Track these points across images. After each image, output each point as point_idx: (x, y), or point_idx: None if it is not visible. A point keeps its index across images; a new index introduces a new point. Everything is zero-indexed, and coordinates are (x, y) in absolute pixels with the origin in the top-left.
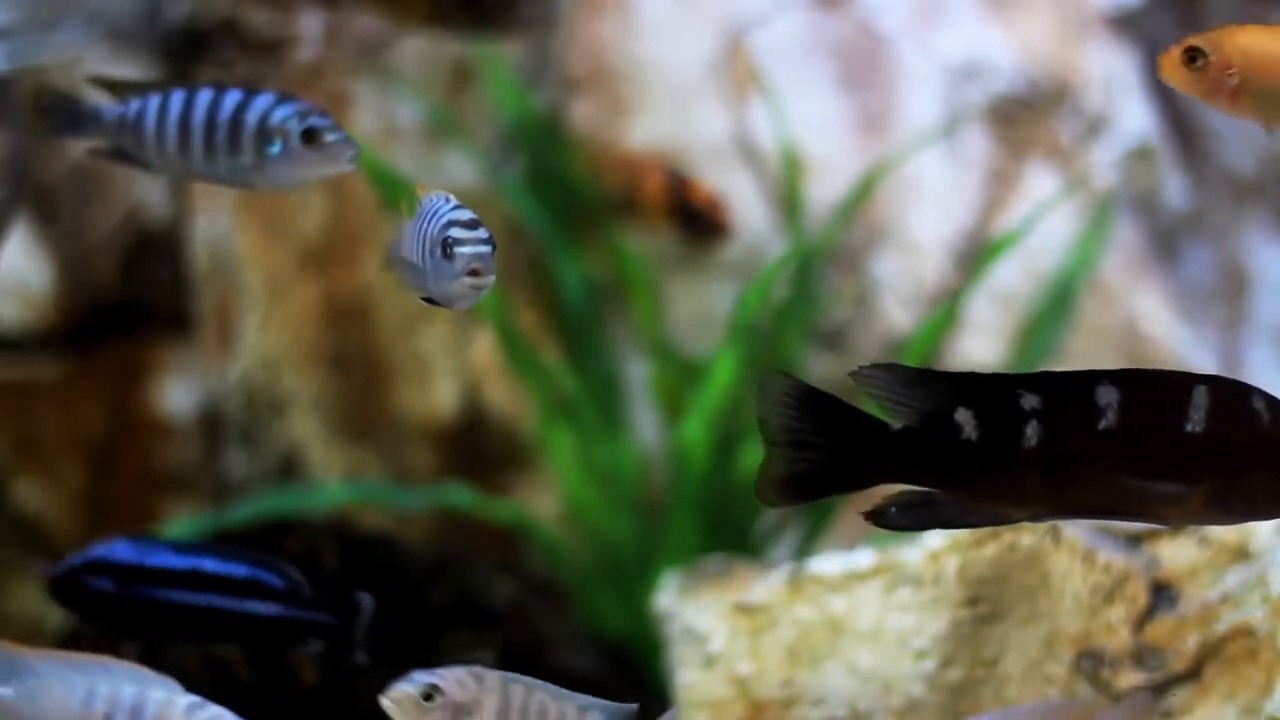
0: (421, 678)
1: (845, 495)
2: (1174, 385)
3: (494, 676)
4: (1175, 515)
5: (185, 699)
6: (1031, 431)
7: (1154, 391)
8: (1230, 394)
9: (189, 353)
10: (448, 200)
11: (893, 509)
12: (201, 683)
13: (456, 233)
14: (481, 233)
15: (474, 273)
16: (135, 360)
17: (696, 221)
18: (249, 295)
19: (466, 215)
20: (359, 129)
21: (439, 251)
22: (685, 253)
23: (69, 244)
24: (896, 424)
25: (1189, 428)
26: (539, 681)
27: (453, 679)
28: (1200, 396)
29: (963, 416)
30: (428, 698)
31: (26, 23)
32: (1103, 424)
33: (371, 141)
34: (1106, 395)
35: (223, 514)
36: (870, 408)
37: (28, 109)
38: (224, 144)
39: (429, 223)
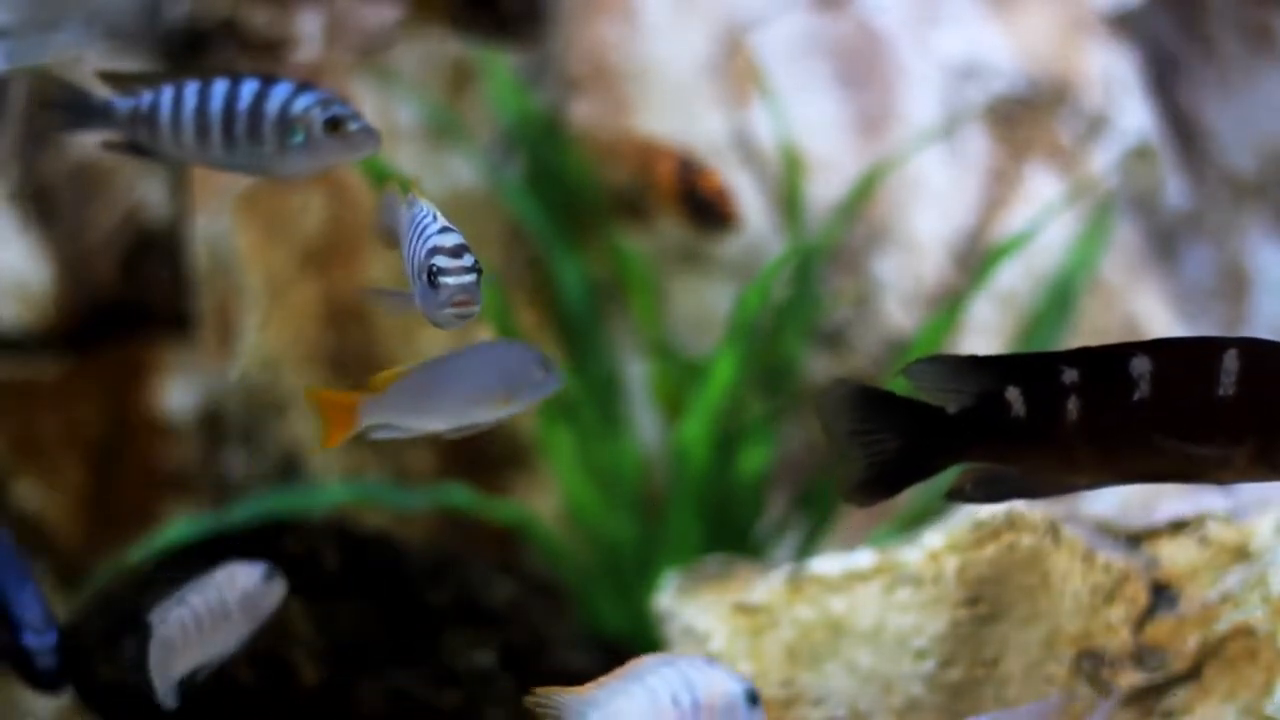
0: None
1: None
2: (1205, 350)
3: None
4: (1226, 476)
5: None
6: (1073, 405)
7: (1186, 358)
8: (1261, 353)
9: (189, 353)
10: (435, 219)
11: (968, 485)
12: (202, 682)
13: (441, 261)
14: (466, 260)
15: (459, 303)
16: (135, 360)
17: (705, 211)
18: (249, 295)
19: (451, 241)
20: None
21: (424, 277)
22: (688, 245)
23: (69, 244)
24: (952, 409)
25: (1222, 390)
26: None
27: None
28: (1231, 359)
29: (1012, 395)
30: None
31: (26, 23)
32: (1138, 393)
33: None
34: (1141, 365)
35: (223, 514)
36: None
37: (34, 106)
38: (244, 134)
39: (416, 241)
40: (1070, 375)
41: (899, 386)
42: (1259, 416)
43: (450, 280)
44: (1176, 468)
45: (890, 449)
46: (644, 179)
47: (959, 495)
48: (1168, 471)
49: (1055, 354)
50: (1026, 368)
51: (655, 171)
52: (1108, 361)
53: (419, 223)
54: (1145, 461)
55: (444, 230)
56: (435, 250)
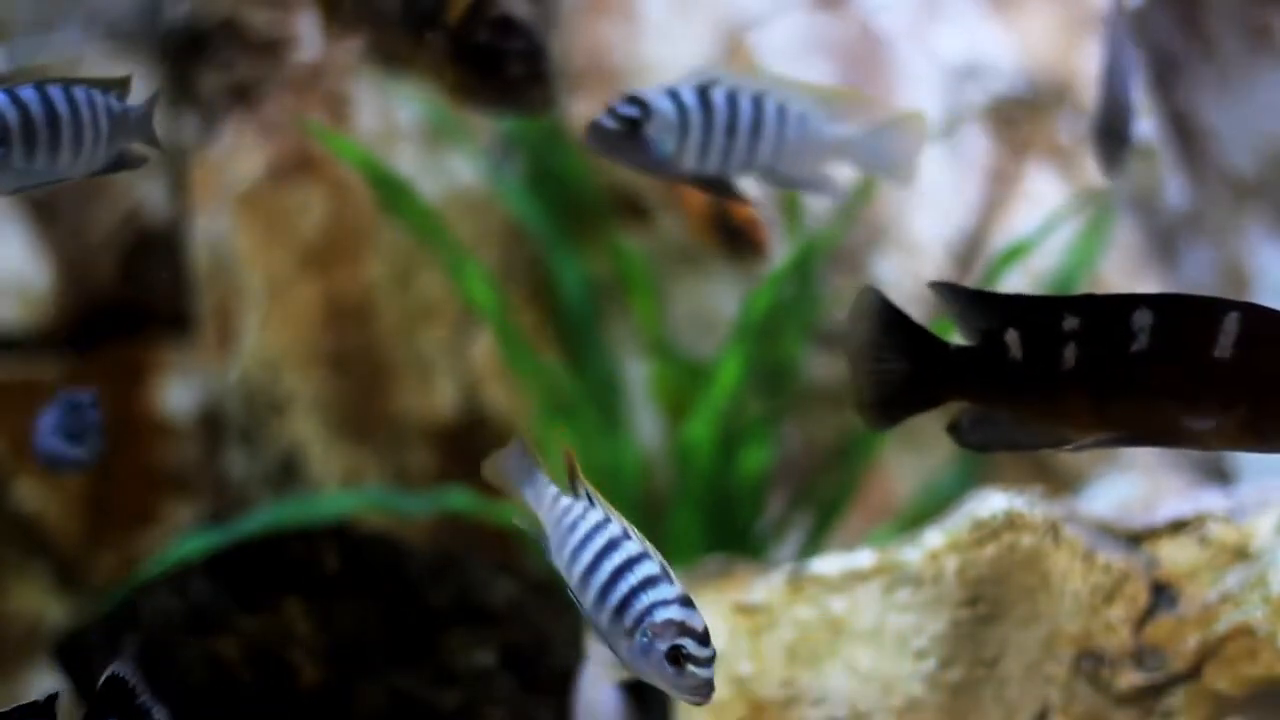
0: None
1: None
2: (1207, 310)
3: None
4: (1216, 441)
5: None
6: (1070, 353)
7: (1187, 316)
8: (1262, 319)
9: (189, 353)
10: (665, 575)
11: (965, 422)
12: (201, 682)
13: (691, 648)
14: (710, 650)
15: (700, 693)
16: (135, 360)
17: (735, 237)
18: (249, 295)
19: (699, 623)
20: (359, 129)
21: (660, 649)
22: (686, 253)
23: (69, 244)
24: (956, 343)
25: (1219, 353)
26: None
27: None
28: (1232, 322)
29: (1011, 337)
30: None
31: (26, 23)
32: (1135, 347)
33: (371, 141)
34: (1142, 319)
35: (232, 528)
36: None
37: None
38: None
39: (629, 582)
40: (1071, 323)
41: (944, 328)
42: (1252, 383)
43: (699, 671)
44: (1167, 427)
45: (897, 373)
46: (675, 196)
47: (955, 432)
48: (1158, 430)
49: (1059, 299)
50: (1029, 311)
51: (686, 193)
52: (1109, 312)
53: (624, 551)
54: (1136, 418)
55: (683, 602)
56: (683, 630)
